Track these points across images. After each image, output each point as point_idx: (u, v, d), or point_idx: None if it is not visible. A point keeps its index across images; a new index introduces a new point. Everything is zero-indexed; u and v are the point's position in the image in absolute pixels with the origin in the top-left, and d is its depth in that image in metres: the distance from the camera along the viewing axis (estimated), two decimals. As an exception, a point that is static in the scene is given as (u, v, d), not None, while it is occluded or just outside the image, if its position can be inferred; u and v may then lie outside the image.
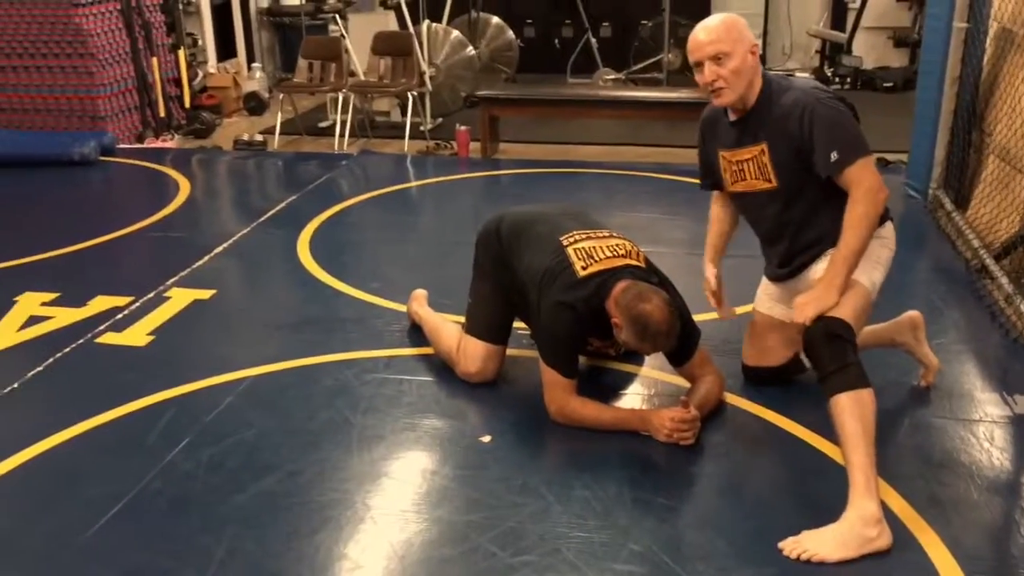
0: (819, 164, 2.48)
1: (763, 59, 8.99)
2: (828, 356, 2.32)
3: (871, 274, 2.53)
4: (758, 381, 2.95)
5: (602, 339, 2.96)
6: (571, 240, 2.80)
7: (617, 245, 2.79)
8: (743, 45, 2.51)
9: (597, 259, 2.72)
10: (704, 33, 2.53)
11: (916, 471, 2.51)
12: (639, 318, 2.53)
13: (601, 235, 2.84)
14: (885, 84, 8.25)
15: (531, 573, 2.13)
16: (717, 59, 2.51)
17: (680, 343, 2.69)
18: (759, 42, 2.40)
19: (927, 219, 4.62)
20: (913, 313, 2.94)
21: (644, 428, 2.68)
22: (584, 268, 2.70)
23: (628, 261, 2.74)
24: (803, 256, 2.68)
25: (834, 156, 2.44)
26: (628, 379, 3.08)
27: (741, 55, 2.51)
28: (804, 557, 2.14)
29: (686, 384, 2.86)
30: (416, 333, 3.37)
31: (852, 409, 2.24)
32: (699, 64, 2.54)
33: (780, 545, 2.19)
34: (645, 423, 2.68)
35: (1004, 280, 3.60)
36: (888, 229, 2.65)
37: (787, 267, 2.74)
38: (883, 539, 2.17)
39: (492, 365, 3.00)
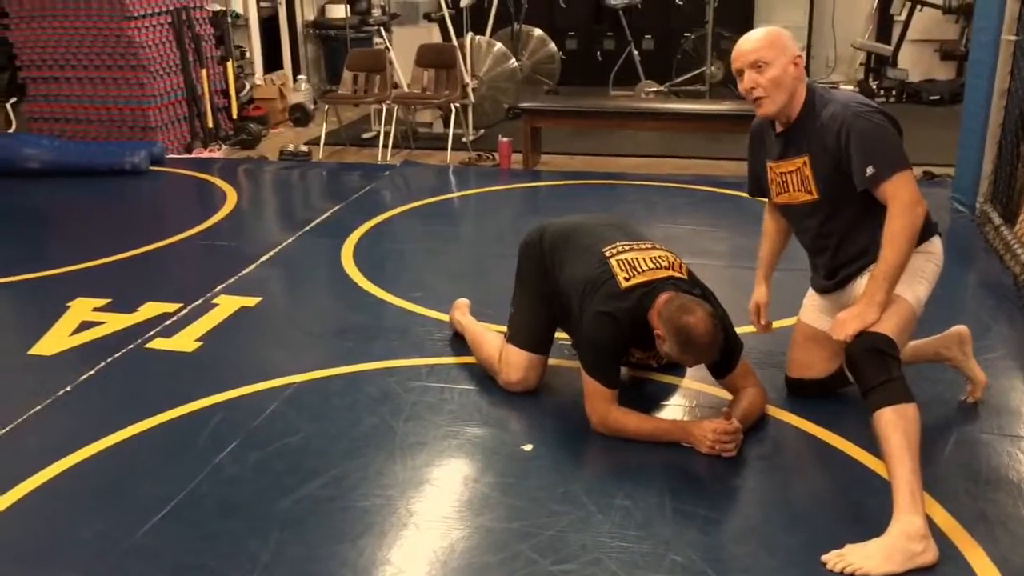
0: (856, 177, 2.47)
1: (807, 71, 8.98)
2: (871, 371, 2.31)
3: (915, 289, 2.51)
4: (801, 393, 2.93)
5: (644, 350, 2.96)
6: (614, 251, 2.80)
7: (660, 257, 2.80)
8: (785, 56, 2.53)
9: (640, 270, 2.73)
10: (747, 41, 2.56)
11: (963, 487, 2.48)
12: (682, 330, 2.54)
13: (644, 247, 2.85)
14: (931, 97, 8.15)
15: (572, 581, 2.14)
16: (757, 66, 2.53)
17: (723, 355, 2.69)
18: (803, 54, 2.43)
19: (975, 233, 4.56)
20: (960, 328, 2.90)
21: (686, 439, 2.67)
22: (627, 279, 2.71)
23: (671, 273, 2.75)
24: (848, 268, 2.67)
25: (870, 170, 2.43)
26: (670, 390, 3.08)
27: (782, 65, 2.52)
28: (848, 571, 2.13)
29: (728, 396, 2.86)
30: (458, 342, 3.40)
31: (896, 424, 2.23)
32: (740, 72, 2.57)
33: (824, 558, 2.17)
34: (687, 434, 2.68)
35: (1054, 295, 3.54)
36: (935, 244, 2.62)
37: (833, 279, 2.73)
38: (929, 554, 2.14)
39: (534, 374, 3.02)
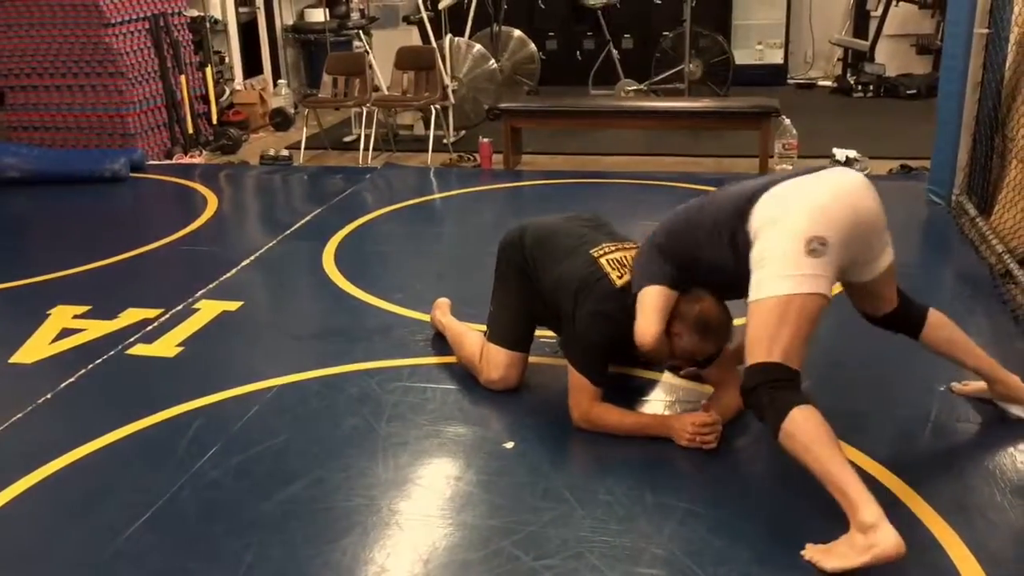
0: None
1: (785, 69, 9.06)
2: (754, 410, 2.32)
3: (777, 284, 2.30)
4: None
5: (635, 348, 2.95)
6: (601, 252, 2.83)
7: (643, 254, 2.82)
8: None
9: (630, 268, 2.76)
10: None
11: (939, 475, 2.51)
12: (700, 319, 2.57)
13: (628, 247, 2.89)
14: (908, 91, 8.22)
15: (554, 576, 2.15)
16: None
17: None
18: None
19: (950, 225, 4.59)
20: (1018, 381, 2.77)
21: (666, 433, 2.69)
22: (619, 278, 2.74)
23: (657, 269, 2.76)
24: None
25: None
26: (650, 385, 3.09)
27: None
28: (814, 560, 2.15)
29: (708, 390, 2.88)
30: (439, 342, 3.41)
31: (791, 443, 2.20)
32: None
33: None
34: (667, 428, 2.70)
35: (1029, 285, 3.58)
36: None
37: None
38: (883, 545, 2.05)
39: (515, 372, 3.03)
